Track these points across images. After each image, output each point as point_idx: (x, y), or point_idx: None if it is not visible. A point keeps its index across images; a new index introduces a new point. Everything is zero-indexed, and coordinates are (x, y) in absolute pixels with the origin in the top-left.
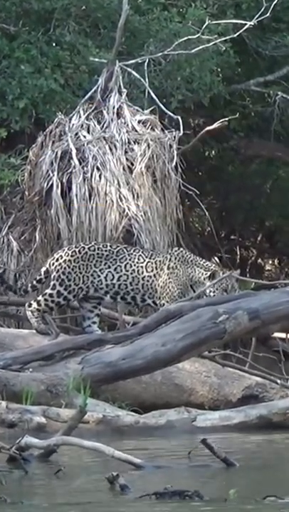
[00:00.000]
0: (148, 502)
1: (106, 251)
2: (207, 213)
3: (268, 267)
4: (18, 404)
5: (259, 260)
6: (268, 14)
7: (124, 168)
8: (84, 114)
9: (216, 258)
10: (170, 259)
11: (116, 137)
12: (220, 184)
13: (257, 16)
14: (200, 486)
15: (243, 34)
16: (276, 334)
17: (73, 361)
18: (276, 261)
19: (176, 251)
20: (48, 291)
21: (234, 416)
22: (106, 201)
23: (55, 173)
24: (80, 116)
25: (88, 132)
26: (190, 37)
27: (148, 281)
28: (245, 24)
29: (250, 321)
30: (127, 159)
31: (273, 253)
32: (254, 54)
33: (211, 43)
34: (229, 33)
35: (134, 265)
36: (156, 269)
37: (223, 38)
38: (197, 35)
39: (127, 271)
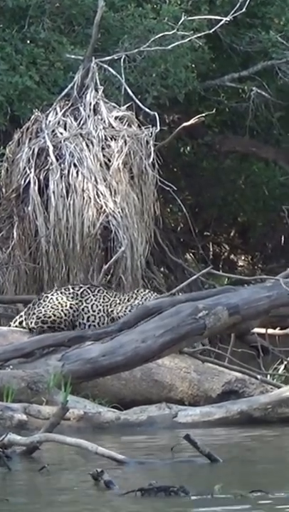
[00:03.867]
0: (133, 498)
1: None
2: (185, 209)
3: (240, 263)
4: None
5: (232, 256)
6: (243, 10)
7: (101, 165)
8: (60, 110)
9: (190, 254)
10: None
11: (93, 134)
12: (194, 180)
13: (232, 11)
14: (185, 481)
15: (218, 30)
16: (254, 330)
17: (54, 358)
18: (249, 257)
19: (141, 292)
20: None
21: (215, 411)
22: (83, 198)
23: (32, 170)
24: (56, 113)
25: (65, 129)
26: (165, 33)
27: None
28: (220, 20)
29: (230, 317)
30: (104, 156)
31: (246, 249)
32: (228, 50)
33: (186, 39)
34: (204, 29)
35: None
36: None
37: (198, 35)
38: (172, 32)
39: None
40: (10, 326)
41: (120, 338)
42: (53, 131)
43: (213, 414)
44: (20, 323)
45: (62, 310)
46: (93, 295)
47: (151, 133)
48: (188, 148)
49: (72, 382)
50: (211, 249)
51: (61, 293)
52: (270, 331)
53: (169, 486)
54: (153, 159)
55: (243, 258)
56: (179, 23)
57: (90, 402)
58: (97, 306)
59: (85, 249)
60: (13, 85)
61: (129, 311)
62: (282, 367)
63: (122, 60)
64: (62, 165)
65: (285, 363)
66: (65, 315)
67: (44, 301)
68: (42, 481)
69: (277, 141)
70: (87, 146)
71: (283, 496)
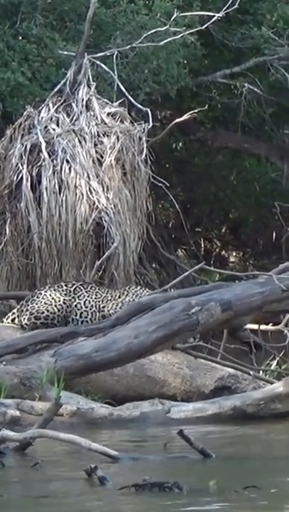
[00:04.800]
0: (127, 494)
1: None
2: (177, 205)
3: (232, 259)
4: None
5: (223, 252)
6: (235, 6)
7: (93, 161)
8: (53, 107)
9: (182, 250)
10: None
11: (85, 130)
12: (186, 176)
13: (225, 8)
14: (178, 477)
15: (210, 26)
16: (246, 326)
17: (46, 354)
18: (240, 253)
19: (133, 289)
20: None
21: (208, 407)
22: (76, 194)
23: (25, 166)
24: (49, 110)
25: (57, 125)
26: (157, 29)
27: None
28: (212, 16)
29: (223, 313)
30: (96, 152)
31: (237, 245)
32: (220, 46)
33: (178, 36)
34: (196, 25)
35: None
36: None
37: (190, 31)
38: (164, 28)
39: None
40: (2, 322)
41: (113, 334)
42: (46, 127)
43: (206, 410)
44: (13, 320)
45: (55, 306)
46: (86, 291)
47: (144, 129)
48: (180, 144)
49: (65, 378)
50: (203, 246)
51: (54, 289)
52: (263, 326)
53: (163, 482)
54: (145, 155)
55: (234, 254)
56: (171, 19)
57: (82, 398)
58: (89, 303)
59: (77, 245)
60: (5, 81)
61: (120, 308)
62: (274, 363)
63: (114, 56)
64: (54, 161)
65: (278, 358)
66: (58, 311)
67: (37, 297)
68: (35, 476)
69: (269, 137)
70: (80, 142)
71: (277, 491)
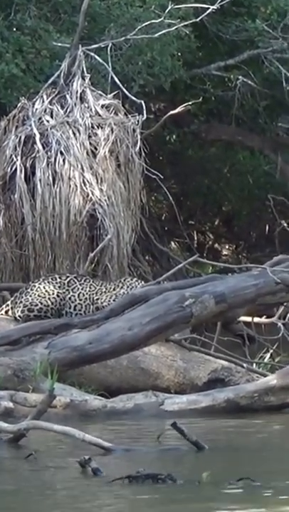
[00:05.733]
0: (121, 485)
1: None
2: (170, 198)
3: (224, 252)
4: None
5: (216, 245)
6: None
7: (87, 153)
8: (47, 98)
9: (175, 243)
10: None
11: (79, 122)
12: (179, 168)
13: (219, 0)
14: (172, 469)
15: (204, 18)
16: (240, 318)
17: (40, 346)
18: (233, 246)
19: (128, 281)
20: None
21: (202, 400)
22: (70, 186)
23: (19, 157)
24: (43, 101)
25: (51, 117)
26: (151, 21)
27: None
28: (207, 9)
29: (217, 305)
30: (90, 144)
31: (230, 238)
32: (215, 38)
33: (172, 28)
34: (190, 17)
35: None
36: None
37: (185, 23)
38: (159, 20)
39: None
40: None
41: (107, 325)
42: (40, 119)
43: (199, 402)
44: (7, 312)
45: (49, 298)
46: (80, 284)
47: (138, 121)
48: (174, 136)
49: (58, 370)
50: (196, 238)
51: (48, 282)
52: (256, 319)
53: (156, 474)
54: (139, 147)
55: (227, 247)
56: (166, 11)
57: (76, 390)
58: (83, 295)
59: (71, 237)
60: None
61: (114, 300)
62: (268, 355)
63: (108, 48)
64: (48, 153)
65: (271, 351)
66: (52, 303)
67: (31, 289)
68: (29, 468)
69: (263, 129)
70: (74, 134)
71: (271, 483)
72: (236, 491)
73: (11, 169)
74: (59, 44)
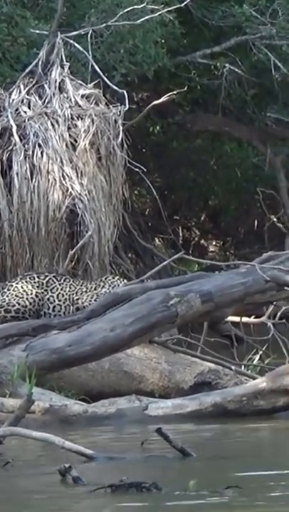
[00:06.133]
0: (103, 495)
1: None
2: (154, 192)
3: (211, 249)
4: None
5: (202, 241)
6: None
7: (67, 145)
8: (24, 88)
9: (159, 239)
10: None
11: (58, 112)
12: (163, 161)
13: None
14: (157, 477)
15: (189, 4)
16: (228, 318)
17: (18, 348)
18: (220, 242)
19: (109, 279)
20: None
21: (188, 404)
22: (48, 180)
23: None
24: (20, 91)
25: (29, 108)
26: (133, 7)
27: None
28: None
29: (203, 304)
30: (70, 136)
31: (217, 234)
32: (200, 24)
33: (155, 14)
34: (174, 2)
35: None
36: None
37: (168, 9)
38: (141, 6)
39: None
40: None
41: (88, 326)
42: (17, 109)
43: (185, 406)
44: None
45: (27, 299)
46: (59, 284)
47: (120, 112)
48: (157, 127)
49: (37, 374)
50: (181, 234)
51: (26, 281)
52: (245, 319)
53: (140, 482)
54: (121, 139)
55: (214, 243)
56: None
57: (55, 395)
58: (63, 296)
59: (50, 233)
60: None
61: (96, 300)
62: (257, 357)
63: (88, 35)
64: (26, 145)
65: (261, 352)
66: (30, 304)
67: (8, 289)
68: (6, 476)
69: (251, 119)
70: (53, 125)
71: (260, 492)
72: (224, 499)
73: None
74: (37, 31)
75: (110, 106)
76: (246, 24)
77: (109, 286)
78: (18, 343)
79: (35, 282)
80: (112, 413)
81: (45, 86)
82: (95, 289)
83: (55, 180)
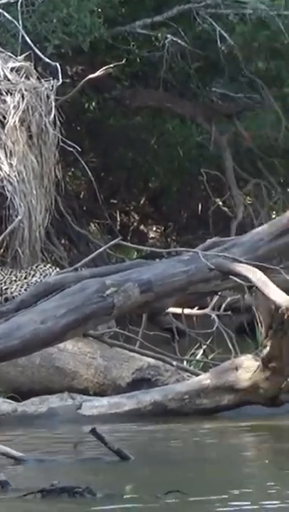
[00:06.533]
0: (33, 500)
1: None
2: (90, 173)
3: (151, 235)
4: None
5: (142, 227)
6: None
7: None
8: None
9: (95, 224)
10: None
11: None
12: (100, 140)
13: None
14: (91, 481)
15: None
16: (169, 309)
17: None
18: (161, 228)
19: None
20: None
21: (125, 402)
22: None
23: None
24: None
25: None
26: None
27: None
28: None
29: (142, 294)
30: None
31: (158, 219)
32: None
33: None
34: None
35: None
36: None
37: None
38: None
39: None
40: None
41: (17, 318)
42: None
43: (122, 405)
44: None
45: None
46: None
47: (52, 86)
48: (93, 103)
49: None
50: (119, 219)
51: None
52: (187, 310)
53: (73, 487)
54: (54, 116)
55: (154, 229)
56: None
57: None
58: None
59: None
60: None
61: (25, 289)
62: (200, 352)
63: (18, 3)
64: None
65: (204, 347)
66: None
67: None
68: None
69: (195, 94)
70: None
71: (203, 496)
72: (163, 505)
73: None
74: None
75: (42, 80)
76: None
77: (41, 274)
78: None
79: None
80: (43, 412)
81: None
82: (25, 278)
83: None
